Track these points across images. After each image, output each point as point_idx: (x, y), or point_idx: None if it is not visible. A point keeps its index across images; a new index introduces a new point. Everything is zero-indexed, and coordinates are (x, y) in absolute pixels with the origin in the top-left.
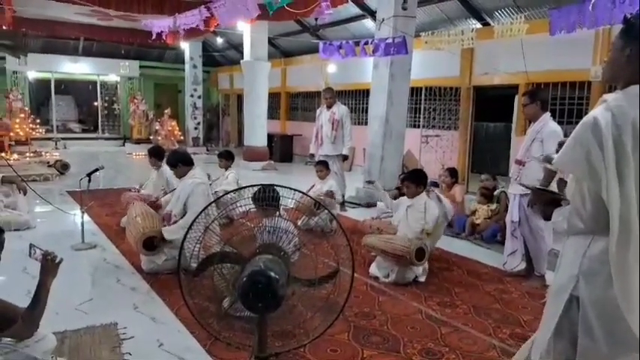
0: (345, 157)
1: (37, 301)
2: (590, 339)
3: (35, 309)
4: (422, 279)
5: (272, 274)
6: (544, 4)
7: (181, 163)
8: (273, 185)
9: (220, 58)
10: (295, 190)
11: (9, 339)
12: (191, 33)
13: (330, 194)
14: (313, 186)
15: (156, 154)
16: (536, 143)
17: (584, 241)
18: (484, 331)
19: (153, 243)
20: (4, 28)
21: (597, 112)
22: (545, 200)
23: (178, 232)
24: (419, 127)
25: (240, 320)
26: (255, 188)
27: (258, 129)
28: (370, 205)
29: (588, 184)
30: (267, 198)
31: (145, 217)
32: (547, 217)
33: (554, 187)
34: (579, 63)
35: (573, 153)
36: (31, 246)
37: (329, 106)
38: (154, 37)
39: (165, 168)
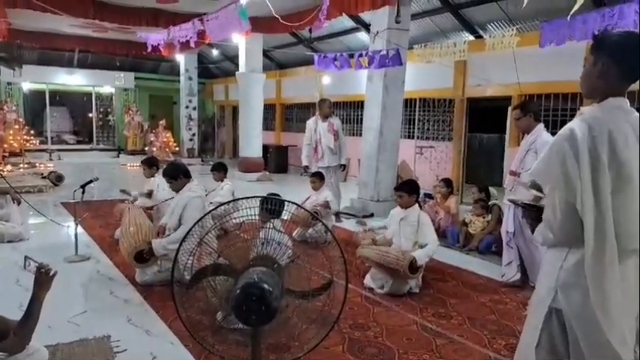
0: (343, 167)
1: (30, 314)
2: (578, 352)
3: (27, 323)
4: (416, 290)
5: (265, 286)
6: (536, 16)
7: (182, 175)
8: (275, 198)
9: (215, 69)
10: (291, 202)
11: (0, 353)
12: (186, 45)
13: (326, 204)
14: (308, 197)
15: (152, 164)
16: (531, 154)
17: (561, 254)
18: (479, 342)
19: (145, 257)
20: None
21: (574, 123)
22: (533, 216)
23: (166, 247)
24: (413, 138)
25: (234, 333)
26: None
27: (253, 140)
28: (365, 216)
29: (563, 195)
30: (272, 210)
31: (139, 227)
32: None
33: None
34: (571, 74)
35: (549, 164)
36: (26, 258)
37: (326, 117)
38: (149, 50)
39: (156, 179)
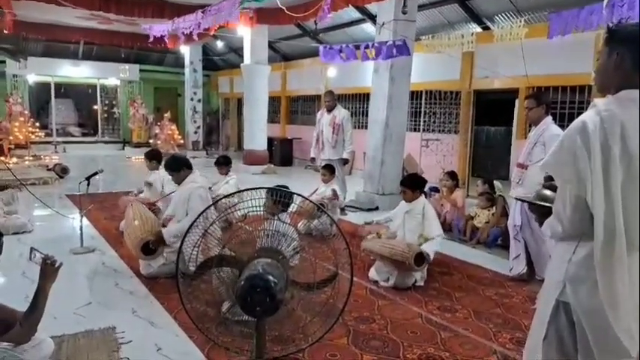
0: (345, 161)
1: (36, 305)
2: (585, 345)
3: (33, 313)
4: (421, 283)
5: (270, 277)
6: (544, 8)
7: (185, 166)
8: (283, 190)
9: (220, 61)
10: (297, 194)
11: (6, 343)
12: (190, 37)
13: (334, 196)
14: (317, 189)
15: (154, 157)
16: (539, 147)
17: (570, 247)
18: (485, 336)
19: (150, 248)
20: (4, 31)
21: (586, 116)
22: (542, 212)
23: (176, 235)
24: (419, 130)
25: (239, 324)
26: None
27: (258, 133)
28: (371, 209)
29: (573, 188)
30: (283, 203)
31: (144, 220)
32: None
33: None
34: (580, 67)
35: (560, 156)
36: (32, 249)
37: (329, 110)
38: (151, 41)
39: (160, 172)
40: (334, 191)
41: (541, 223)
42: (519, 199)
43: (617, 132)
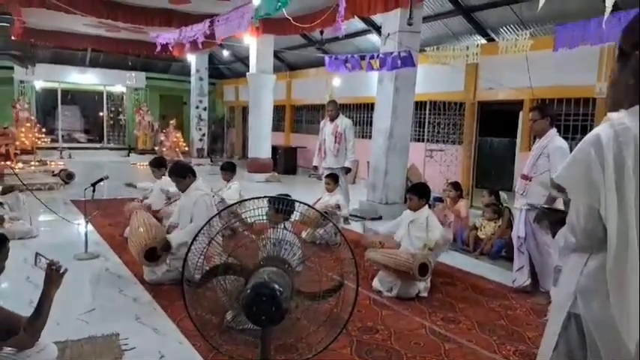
0: (347, 170)
1: (40, 311)
2: (597, 358)
3: (38, 319)
4: (424, 294)
5: (276, 286)
6: (549, 20)
7: (190, 174)
8: (286, 198)
9: (226, 70)
10: (302, 202)
11: (10, 349)
12: (196, 45)
13: (338, 208)
14: (320, 198)
15: (160, 165)
16: (543, 159)
17: (582, 259)
18: (488, 348)
19: (154, 254)
20: (13, 38)
21: (600, 129)
22: (554, 220)
23: (185, 237)
24: (423, 141)
25: (243, 333)
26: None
27: (262, 141)
28: (374, 218)
29: (587, 201)
30: (286, 212)
31: (148, 227)
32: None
33: (559, 205)
34: (584, 79)
35: (574, 169)
36: (37, 255)
37: (332, 119)
38: (158, 49)
39: (165, 179)
40: (339, 206)
41: (554, 234)
42: (531, 205)
43: (632, 145)
